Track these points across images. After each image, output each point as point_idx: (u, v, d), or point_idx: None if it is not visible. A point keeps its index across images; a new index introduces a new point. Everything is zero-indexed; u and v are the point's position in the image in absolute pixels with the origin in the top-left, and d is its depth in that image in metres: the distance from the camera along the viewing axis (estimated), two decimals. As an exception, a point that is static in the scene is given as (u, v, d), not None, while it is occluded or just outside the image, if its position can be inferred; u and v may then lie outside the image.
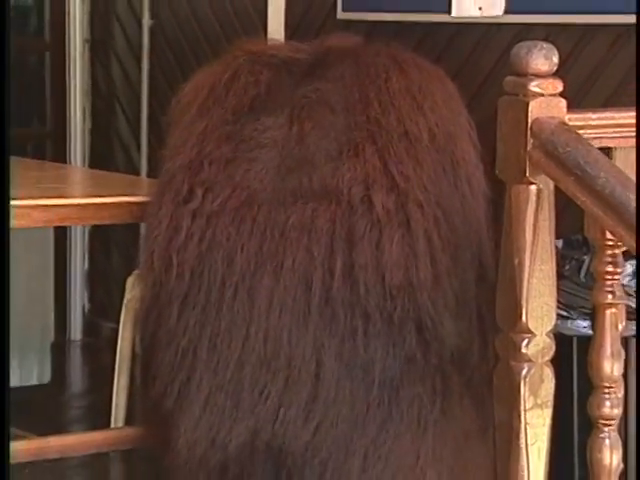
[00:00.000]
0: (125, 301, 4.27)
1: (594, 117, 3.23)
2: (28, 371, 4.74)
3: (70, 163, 5.65)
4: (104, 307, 5.68)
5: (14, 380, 4.65)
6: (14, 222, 3.84)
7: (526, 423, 3.13)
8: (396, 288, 3.45)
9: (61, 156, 5.70)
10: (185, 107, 3.80)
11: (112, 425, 4.33)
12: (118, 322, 4.38)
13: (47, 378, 4.72)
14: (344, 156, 3.53)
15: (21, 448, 3.92)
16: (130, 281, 4.26)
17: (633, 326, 3.28)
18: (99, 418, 4.51)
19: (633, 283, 3.36)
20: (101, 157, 5.69)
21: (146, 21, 5.42)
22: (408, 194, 3.49)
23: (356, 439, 3.38)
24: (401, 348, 3.44)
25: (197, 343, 3.48)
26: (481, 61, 4.25)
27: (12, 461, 3.79)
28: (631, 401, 3.46)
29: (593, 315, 3.11)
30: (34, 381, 4.73)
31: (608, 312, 3.03)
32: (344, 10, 4.74)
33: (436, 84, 3.69)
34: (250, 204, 3.51)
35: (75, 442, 4.12)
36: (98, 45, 5.75)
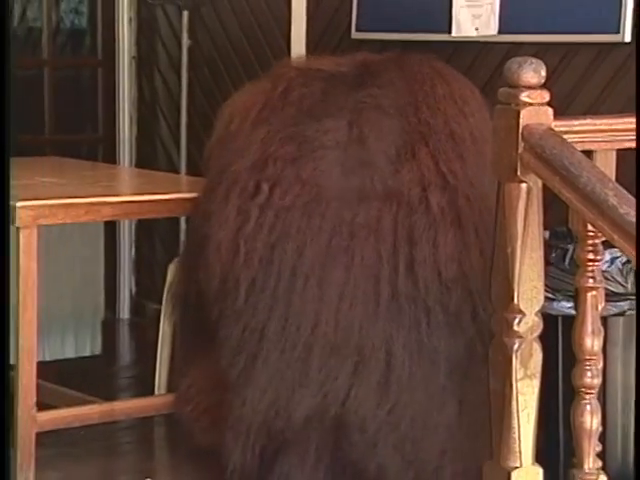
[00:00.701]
0: (167, 285, 4.26)
1: (577, 124, 3.22)
2: (82, 344, 4.72)
3: (119, 164, 5.65)
4: (148, 290, 5.68)
5: (70, 352, 4.66)
6: (85, 217, 3.84)
7: (517, 392, 3.12)
8: (451, 281, 3.42)
9: (111, 158, 5.70)
10: (240, 119, 3.72)
11: (155, 393, 4.31)
12: (161, 303, 4.38)
13: (98, 350, 4.69)
14: (402, 158, 3.49)
15: (87, 412, 3.94)
16: (171, 268, 4.25)
17: (611, 307, 3.27)
18: (144, 387, 4.50)
19: (611, 269, 3.35)
20: (146, 158, 5.68)
21: (185, 41, 5.41)
22: (458, 191, 3.45)
23: (436, 416, 3.32)
24: (460, 336, 3.41)
25: (266, 324, 3.43)
26: (478, 75, 4.23)
27: (78, 424, 3.84)
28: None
29: (576, 297, 3.10)
30: (87, 353, 4.70)
31: (589, 295, 3.03)
32: (357, 30, 4.72)
33: (469, 92, 3.66)
34: (318, 201, 3.45)
35: (123, 407, 4.10)
36: (143, 62, 5.74)
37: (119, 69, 5.77)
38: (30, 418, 3.68)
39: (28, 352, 3.67)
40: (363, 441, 3.41)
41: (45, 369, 4.37)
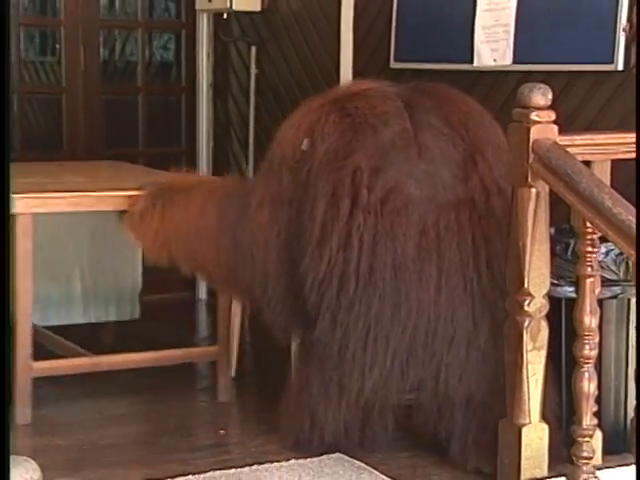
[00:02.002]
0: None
1: (578, 139, 3.23)
2: (123, 311, 4.69)
3: (199, 172, 5.65)
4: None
5: (112, 317, 4.67)
6: (68, 207, 3.88)
7: (527, 361, 3.11)
8: None
9: (192, 167, 5.70)
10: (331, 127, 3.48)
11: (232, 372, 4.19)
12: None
13: (136, 316, 4.70)
14: (465, 169, 3.41)
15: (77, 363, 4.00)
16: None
17: (605, 291, 3.24)
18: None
19: (607, 259, 3.31)
20: (220, 167, 5.68)
21: (253, 71, 5.42)
22: (505, 193, 3.36)
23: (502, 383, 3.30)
24: None
25: (378, 312, 3.34)
26: (495, 98, 4.20)
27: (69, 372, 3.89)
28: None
29: (577, 283, 3.08)
30: (127, 317, 4.68)
31: (588, 281, 3.01)
32: (395, 61, 4.69)
33: (479, 107, 3.61)
34: (405, 206, 3.35)
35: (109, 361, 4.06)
36: (219, 88, 5.75)
37: (199, 94, 5.78)
38: (27, 366, 3.74)
39: (25, 314, 3.75)
40: (459, 407, 3.41)
41: (90, 329, 4.59)
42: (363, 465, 3.39)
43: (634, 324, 3.28)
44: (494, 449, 3.22)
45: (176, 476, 3.25)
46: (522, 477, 3.12)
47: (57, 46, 5.76)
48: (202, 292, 5.72)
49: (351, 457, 3.43)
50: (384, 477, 3.32)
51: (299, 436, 3.50)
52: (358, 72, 4.88)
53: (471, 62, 4.35)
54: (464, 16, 4.37)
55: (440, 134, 3.46)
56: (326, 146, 3.43)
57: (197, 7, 5.56)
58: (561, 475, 3.10)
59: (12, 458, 1.60)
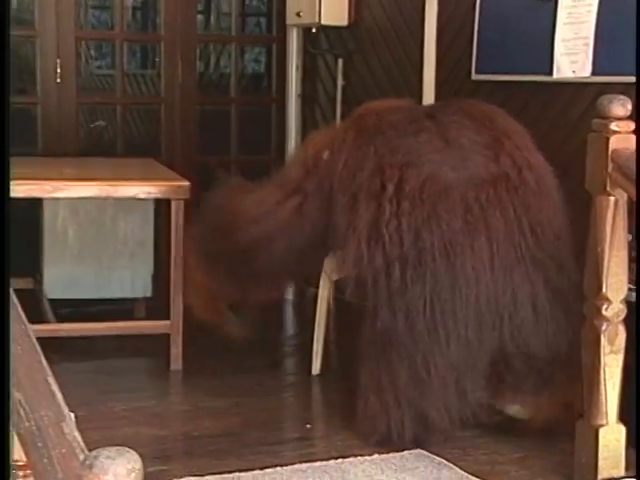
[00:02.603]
0: (323, 272, 4.24)
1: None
2: (138, 289, 4.92)
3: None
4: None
5: (128, 293, 4.89)
6: (49, 194, 4.25)
7: (605, 364, 3.05)
8: (556, 234, 3.51)
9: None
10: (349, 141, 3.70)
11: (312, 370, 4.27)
12: (318, 287, 4.33)
13: (149, 294, 4.90)
14: (494, 150, 3.55)
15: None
16: (327, 260, 4.21)
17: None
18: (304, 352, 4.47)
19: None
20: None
21: (340, 82, 5.41)
22: (536, 169, 3.54)
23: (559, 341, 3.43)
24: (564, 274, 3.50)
25: (435, 289, 3.37)
26: (574, 109, 4.13)
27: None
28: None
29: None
30: (140, 294, 4.91)
31: (664, 287, 2.94)
32: (476, 73, 4.63)
33: (502, 111, 3.81)
34: (444, 189, 3.44)
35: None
36: (307, 99, 5.75)
37: (288, 105, 5.79)
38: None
39: None
40: (535, 361, 3.47)
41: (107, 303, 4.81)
42: (444, 461, 3.35)
43: None
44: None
45: (264, 467, 3.25)
46: (599, 477, 3.07)
47: (157, 60, 5.83)
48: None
49: (431, 452, 3.40)
50: (463, 473, 3.28)
51: (381, 435, 3.48)
52: (440, 84, 4.84)
53: (550, 74, 4.27)
54: (544, 29, 4.30)
55: (463, 126, 3.61)
56: (345, 157, 3.60)
57: (287, 22, 5.57)
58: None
59: (115, 449, 1.60)
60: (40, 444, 1.65)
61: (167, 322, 4.30)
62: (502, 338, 3.43)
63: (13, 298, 1.91)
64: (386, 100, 4.04)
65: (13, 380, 1.72)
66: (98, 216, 4.83)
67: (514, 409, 3.57)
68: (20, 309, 1.88)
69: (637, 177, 2.87)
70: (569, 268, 3.48)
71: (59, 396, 1.76)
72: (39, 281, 4.88)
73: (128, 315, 4.83)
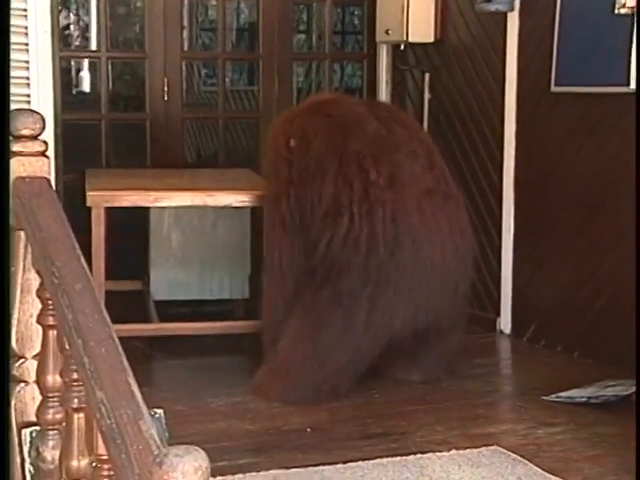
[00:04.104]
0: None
1: None
2: (236, 290, 4.95)
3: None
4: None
5: (226, 294, 4.95)
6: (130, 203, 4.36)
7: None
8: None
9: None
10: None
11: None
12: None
13: (247, 295, 4.92)
14: (427, 159, 4.03)
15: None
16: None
17: None
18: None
19: None
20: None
21: (426, 95, 5.36)
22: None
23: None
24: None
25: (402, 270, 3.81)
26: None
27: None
28: None
29: None
30: (238, 296, 4.96)
31: None
32: (555, 85, 4.54)
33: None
34: (409, 182, 3.89)
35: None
36: (397, 111, 5.72)
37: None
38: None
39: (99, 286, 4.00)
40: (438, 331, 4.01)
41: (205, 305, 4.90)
42: (518, 457, 3.29)
43: None
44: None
45: (347, 462, 3.24)
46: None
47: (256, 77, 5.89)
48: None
49: (507, 449, 3.34)
50: (537, 469, 3.21)
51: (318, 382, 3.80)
52: (521, 96, 4.76)
53: (628, 85, 4.16)
54: (622, 42, 4.18)
55: (404, 130, 4.04)
56: (319, 139, 3.85)
57: (377, 40, 5.55)
58: None
59: (184, 447, 1.60)
60: (119, 440, 1.66)
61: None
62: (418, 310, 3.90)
63: (100, 304, 1.94)
64: (323, 94, 4.58)
65: (95, 380, 1.75)
66: (199, 223, 4.90)
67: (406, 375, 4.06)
68: (105, 313, 1.91)
69: (637, 178, 2.75)
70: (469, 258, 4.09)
71: (138, 395, 1.77)
72: (147, 283, 4.97)
73: (228, 315, 4.87)
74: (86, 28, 6.51)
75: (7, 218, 2.23)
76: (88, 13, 6.40)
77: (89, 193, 4.20)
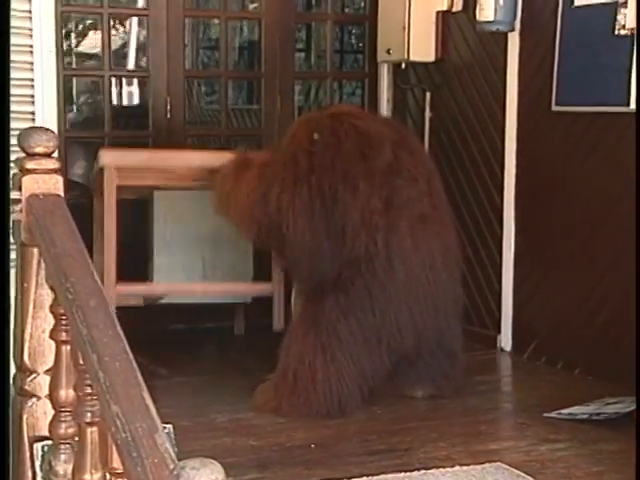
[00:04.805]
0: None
1: None
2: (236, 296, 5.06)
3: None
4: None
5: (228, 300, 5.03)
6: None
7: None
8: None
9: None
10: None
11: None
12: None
13: (249, 300, 5.02)
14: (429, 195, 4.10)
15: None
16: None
17: None
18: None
19: None
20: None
21: (427, 113, 5.40)
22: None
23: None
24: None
25: (397, 278, 3.93)
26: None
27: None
28: None
29: None
30: (241, 301, 5.08)
31: None
32: (556, 105, 4.59)
33: None
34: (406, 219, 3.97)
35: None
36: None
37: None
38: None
39: (110, 260, 4.30)
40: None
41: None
42: (522, 474, 3.31)
43: None
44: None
45: (352, 477, 3.25)
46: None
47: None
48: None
49: (507, 464, 3.37)
50: (541, 486, 3.23)
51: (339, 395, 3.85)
52: (522, 115, 4.80)
53: (628, 105, 4.20)
54: (621, 62, 4.23)
55: (410, 157, 4.11)
56: (350, 143, 3.94)
57: (378, 59, 5.60)
58: None
59: (200, 460, 1.63)
60: (135, 454, 1.69)
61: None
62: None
63: (114, 319, 1.97)
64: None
65: (110, 394, 1.77)
66: (199, 232, 4.98)
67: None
68: (119, 328, 1.94)
69: (637, 196, 2.79)
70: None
71: (153, 409, 1.80)
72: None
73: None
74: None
75: (7, 218, 2.25)
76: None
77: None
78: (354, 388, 3.88)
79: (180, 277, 4.90)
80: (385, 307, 3.87)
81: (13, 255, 2.34)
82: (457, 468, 3.34)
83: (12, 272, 3.27)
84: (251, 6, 6.46)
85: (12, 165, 2.32)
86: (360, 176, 3.91)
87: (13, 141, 2.35)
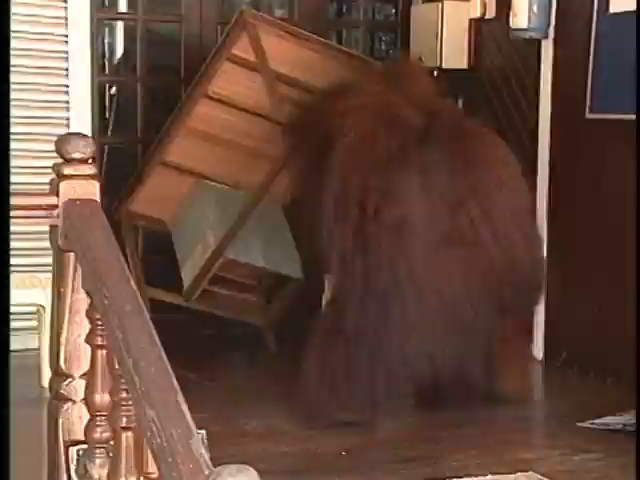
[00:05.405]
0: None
1: None
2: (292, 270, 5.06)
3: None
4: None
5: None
6: None
7: None
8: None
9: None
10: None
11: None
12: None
13: (300, 275, 5.00)
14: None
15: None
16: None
17: None
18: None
19: None
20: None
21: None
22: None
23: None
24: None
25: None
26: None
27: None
28: None
29: None
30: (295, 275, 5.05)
31: None
32: (590, 112, 4.57)
33: None
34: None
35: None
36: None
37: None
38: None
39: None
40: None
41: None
42: (554, 483, 3.30)
43: None
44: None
45: (381, 484, 3.26)
46: None
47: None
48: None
49: (540, 474, 3.35)
50: (573, 495, 3.21)
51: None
52: (555, 122, 4.78)
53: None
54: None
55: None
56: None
57: (412, 66, 5.59)
58: None
59: (236, 466, 1.63)
60: (170, 459, 1.69)
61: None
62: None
63: (150, 325, 1.97)
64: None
65: (145, 399, 1.78)
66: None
67: None
68: (155, 334, 1.94)
69: (637, 171, 2.75)
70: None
71: (188, 415, 1.81)
72: None
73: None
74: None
75: (7, 218, 2.25)
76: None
77: None
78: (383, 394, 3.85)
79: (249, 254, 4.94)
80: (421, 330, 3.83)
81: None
82: (489, 477, 3.33)
83: (42, 276, 3.28)
84: (279, 12, 6.43)
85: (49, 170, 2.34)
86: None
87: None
